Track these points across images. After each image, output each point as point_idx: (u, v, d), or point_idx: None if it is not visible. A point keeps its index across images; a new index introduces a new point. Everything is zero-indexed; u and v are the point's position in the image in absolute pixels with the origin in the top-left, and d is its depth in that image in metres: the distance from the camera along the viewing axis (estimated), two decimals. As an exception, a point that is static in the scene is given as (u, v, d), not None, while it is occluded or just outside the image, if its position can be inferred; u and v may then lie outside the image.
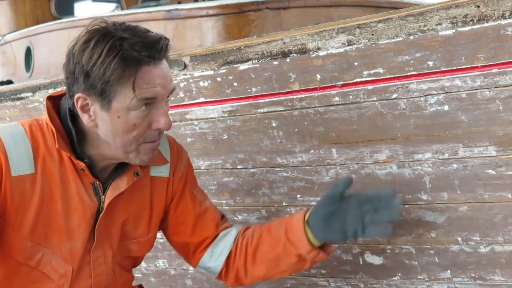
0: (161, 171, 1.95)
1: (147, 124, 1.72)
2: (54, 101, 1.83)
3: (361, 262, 2.13)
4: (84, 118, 1.74)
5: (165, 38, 1.72)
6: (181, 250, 2.03)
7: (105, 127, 1.73)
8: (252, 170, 2.22)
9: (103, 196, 1.82)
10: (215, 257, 1.96)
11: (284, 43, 1.93)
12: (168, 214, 1.99)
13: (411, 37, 1.73)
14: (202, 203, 2.00)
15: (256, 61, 2.00)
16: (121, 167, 1.84)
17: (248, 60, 2.02)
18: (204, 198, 2.02)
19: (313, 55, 1.90)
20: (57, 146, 1.75)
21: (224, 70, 2.08)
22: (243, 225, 2.04)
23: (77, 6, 4.91)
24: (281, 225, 1.90)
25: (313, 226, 1.84)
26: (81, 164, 1.77)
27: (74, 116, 1.78)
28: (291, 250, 1.86)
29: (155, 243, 2.06)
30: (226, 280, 1.99)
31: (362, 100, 1.89)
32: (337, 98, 1.93)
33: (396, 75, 1.81)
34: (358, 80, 1.87)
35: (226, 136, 2.21)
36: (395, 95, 1.83)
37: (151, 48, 1.67)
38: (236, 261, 1.95)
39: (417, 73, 1.78)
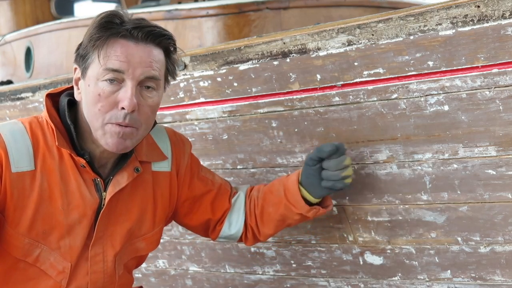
0: (163, 166, 1.96)
1: (113, 101, 1.71)
2: (53, 98, 1.83)
3: (361, 262, 2.13)
4: (76, 92, 1.78)
5: (167, 33, 1.76)
6: (201, 228, 2.10)
7: (83, 99, 1.76)
8: (252, 170, 2.22)
9: (104, 193, 1.82)
10: (233, 225, 2.05)
11: (284, 43, 1.93)
12: (184, 204, 2.03)
13: (411, 37, 1.73)
14: (214, 181, 2.07)
15: (256, 61, 2.00)
16: (121, 163, 1.85)
17: (248, 60, 2.02)
18: (212, 176, 2.08)
19: (313, 55, 1.90)
20: (56, 144, 1.75)
21: (224, 70, 2.08)
22: (247, 186, 2.13)
23: (77, 6, 4.90)
24: (280, 186, 2.01)
25: (305, 186, 1.95)
26: (82, 161, 1.77)
27: (72, 112, 1.79)
28: (292, 209, 1.98)
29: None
30: (246, 241, 2.10)
31: (362, 100, 1.89)
32: (337, 98, 1.93)
33: (396, 75, 1.81)
34: (358, 80, 1.87)
35: (226, 136, 2.21)
36: (395, 95, 1.83)
37: (136, 28, 1.70)
38: (249, 222, 2.05)
39: (417, 73, 1.78)
